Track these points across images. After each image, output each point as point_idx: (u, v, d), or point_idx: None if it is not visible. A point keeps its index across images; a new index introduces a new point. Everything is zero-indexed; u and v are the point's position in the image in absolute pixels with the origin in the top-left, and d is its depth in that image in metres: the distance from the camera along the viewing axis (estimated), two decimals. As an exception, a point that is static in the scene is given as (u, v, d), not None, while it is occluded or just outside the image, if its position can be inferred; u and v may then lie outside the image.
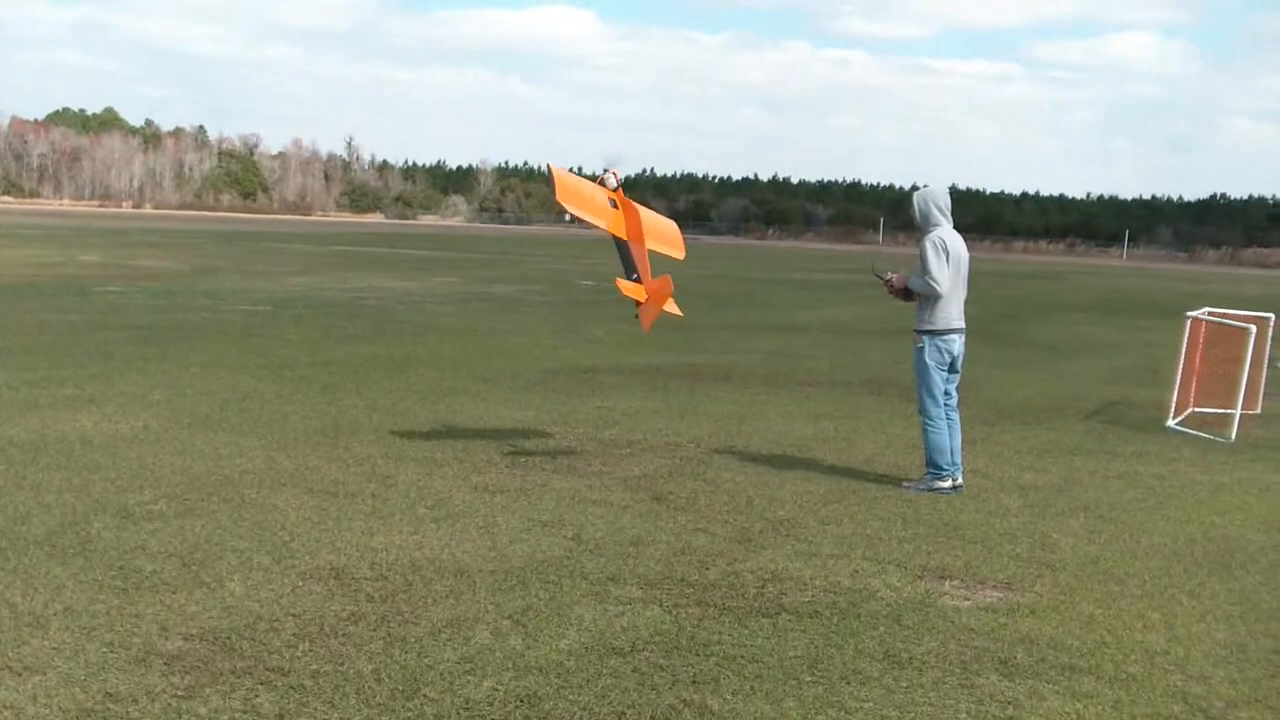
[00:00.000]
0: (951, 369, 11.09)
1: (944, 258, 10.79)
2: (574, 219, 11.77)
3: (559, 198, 11.38)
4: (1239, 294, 49.34)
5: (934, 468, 10.92)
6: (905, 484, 11.04)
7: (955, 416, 11.18)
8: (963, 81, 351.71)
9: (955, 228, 11.08)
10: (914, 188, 11.35)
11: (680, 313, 12.04)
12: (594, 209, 11.62)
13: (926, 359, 10.95)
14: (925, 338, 10.97)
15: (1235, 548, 9.47)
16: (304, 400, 14.25)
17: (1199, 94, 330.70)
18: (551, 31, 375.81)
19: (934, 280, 10.77)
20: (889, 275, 11.24)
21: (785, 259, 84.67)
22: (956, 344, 11.03)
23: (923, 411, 11.03)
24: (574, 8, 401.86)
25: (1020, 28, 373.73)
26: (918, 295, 10.95)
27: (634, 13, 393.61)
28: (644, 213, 11.97)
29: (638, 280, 11.69)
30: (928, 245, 10.86)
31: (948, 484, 10.87)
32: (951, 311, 10.96)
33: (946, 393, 11.10)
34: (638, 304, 11.77)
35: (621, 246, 11.81)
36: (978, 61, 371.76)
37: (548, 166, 11.87)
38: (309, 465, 10.82)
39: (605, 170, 12.01)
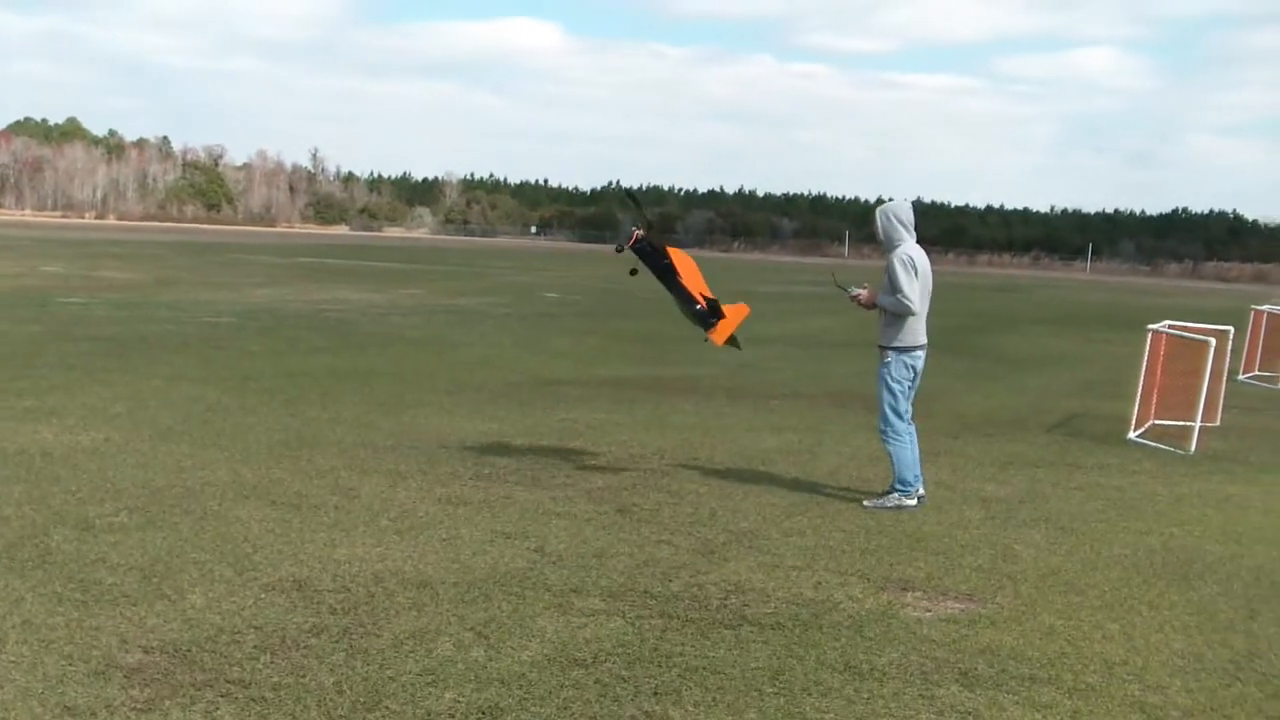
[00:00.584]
0: (912, 385, 11.11)
1: (914, 275, 10.75)
2: (621, 247, 11.58)
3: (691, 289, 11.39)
4: (1200, 307, 49.70)
5: (903, 483, 10.88)
6: (866, 503, 10.92)
7: (913, 429, 11.18)
8: (927, 96, 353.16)
9: (919, 241, 11.07)
10: (879, 201, 11.33)
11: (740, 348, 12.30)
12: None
13: (893, 375, 10.93)
14: (893, 354, 10.91)
15: (1194, 559, 9.53)
16: (267, 412, 14.22)
17: (1161, 109, 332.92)
18: (517, 44, 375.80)
19: (907, 299, 10.71)
20: (855, 291, 11.19)
21: (750, 271, 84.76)
22: (922, 360, 11.02)
23: (887, 428, 10.98)
24: (540, 20, 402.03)
25: (984, 42, 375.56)
26: (884, 311, 10.92)
27: (600, 26, 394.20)
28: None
29: (700, 309, 11.49)
30: (897, 263, 10.76)
31: (914, 500, 10.89)
32: (919, 328, 10.93)
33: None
34: (708, 333, 11.65)
35: (675, 287, 11.63)
36: (942, 76, 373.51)
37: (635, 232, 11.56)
38: (272, 477, 10.79)
39: (636, 227, 11.60)
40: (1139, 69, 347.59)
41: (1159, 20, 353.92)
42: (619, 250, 11.60)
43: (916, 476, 10.96)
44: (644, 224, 11.64)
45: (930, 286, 11.01)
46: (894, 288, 10.74)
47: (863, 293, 11.11)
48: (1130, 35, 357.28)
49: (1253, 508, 11.65)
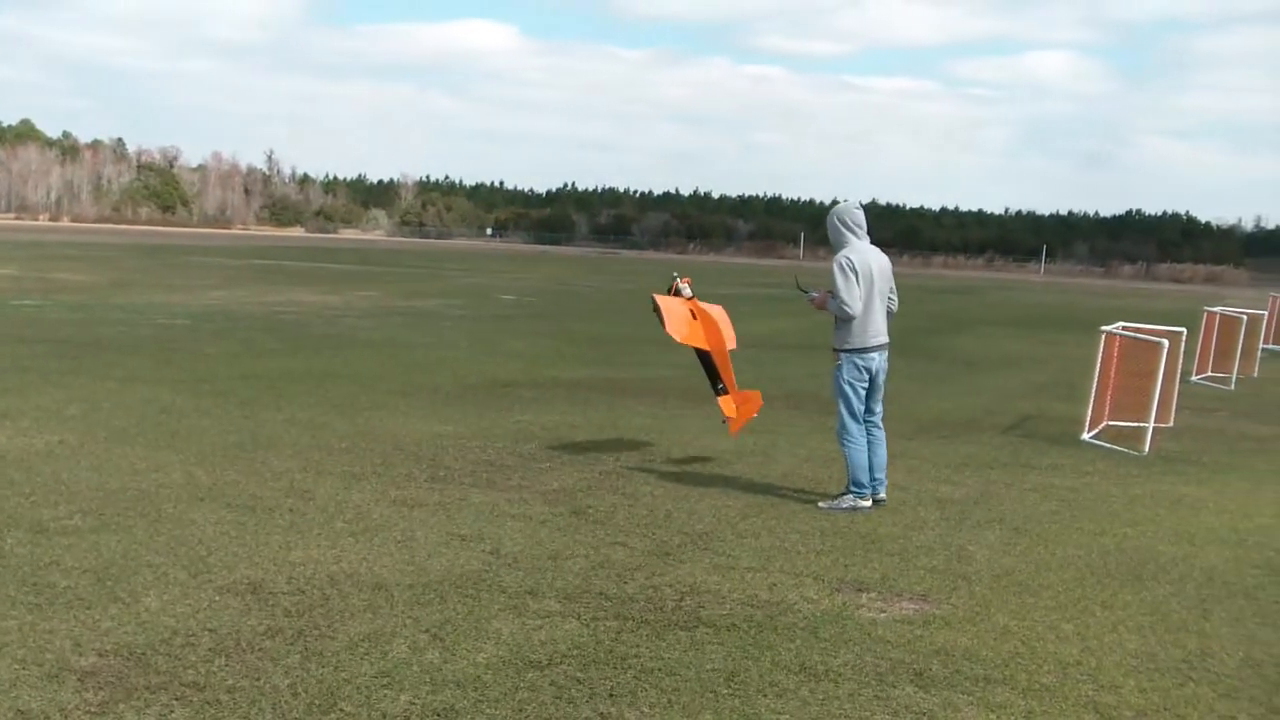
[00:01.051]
0: (874, 385, 11.11)
1: (853, 278, 10.69)
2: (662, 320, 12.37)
3: (669, 329, 12.22)
4: (1153, 308, 50.05)
5: (856, 485, 10.91)
6: (821, 504, 10.94)
7: (879, 434, 11.18)
8: (883, 98, 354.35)
9: (875, 243, 11.09)
10: (834, 203, 11.40)
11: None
12: (696, 336, 12.35)
13: (844, 377, 10.95)
14: (843, 356, 10.94)
15: (1147, 559, 9.59)
16: (222, 414, 14.16)
17: (1114, 112, 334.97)
18: (473, 46, 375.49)
19: (844, 304, 10.69)
20: (813, 293, 11.26)
21: (706, 273, 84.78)
22: (875, 360, 10.98)
23: (841, 430, 11.01)
24: (496, 22, 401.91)
25: (940, 45, 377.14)
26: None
27: (555, 28, 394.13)
28: (714, 312, 12.65)
29: (724, 391, 12.45)
30: (834, 267, 10.78)
31: (868, 503, 10.91)
32: (869, 329, 10.89)
33: (870, 410, 11.11)
34: (725, 419, 12.59)
35: (704, 357, 12.49)
36: (898, 79, 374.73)
37: (653, 298, 12.46)
38: (227, 480, 10.75)
39: (677, 278, 12.60)
40: (1092, 72, 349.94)
41: (1112, 24, 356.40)
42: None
43: (875, 480, 11.01)
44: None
45: (884, 285, 10.98)
46: (833, 291, 10.79)
47: (816, 295, 11.15)
48: (1084, 39, 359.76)
49: (1205, 508, 11.73)
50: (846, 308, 10.70)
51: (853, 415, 10.95)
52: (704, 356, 12.42)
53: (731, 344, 12.50)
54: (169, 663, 6.34)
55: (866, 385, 11.00)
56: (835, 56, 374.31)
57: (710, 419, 15.27)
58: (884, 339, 11.04)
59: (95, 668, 6.23)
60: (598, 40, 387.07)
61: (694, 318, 12.38)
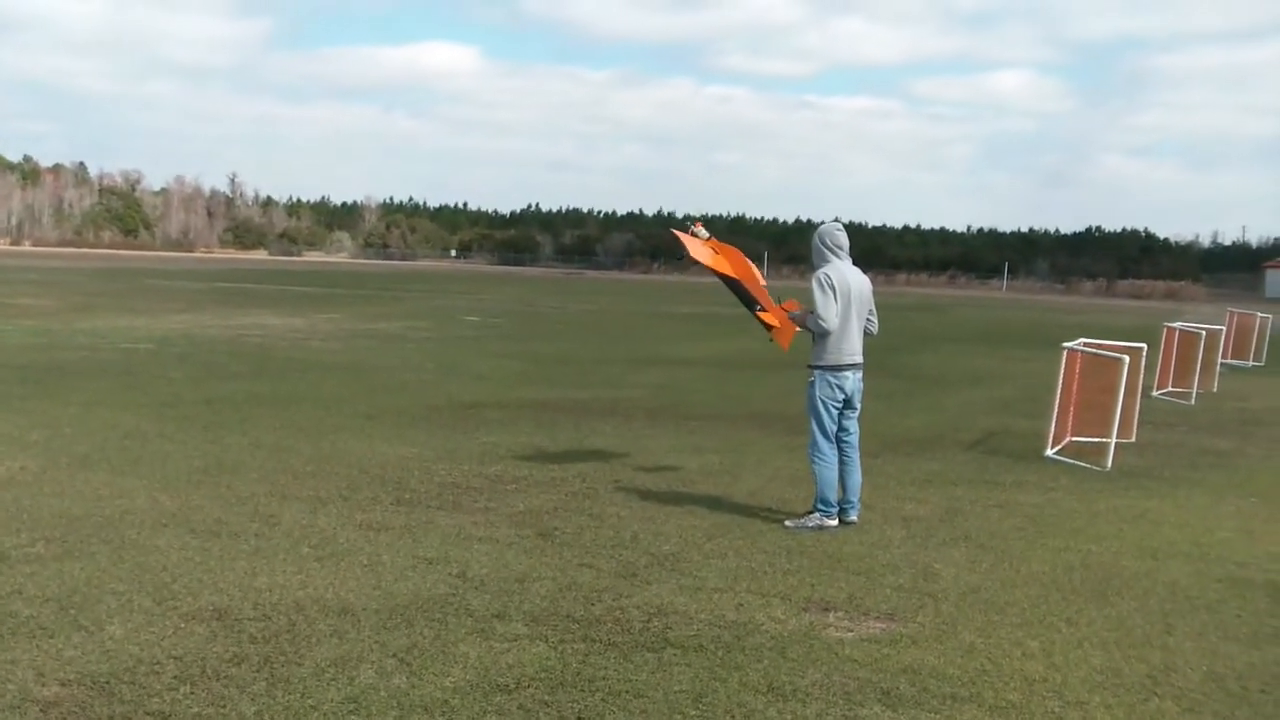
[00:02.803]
0: (848, 405, 11.13)
1: (831, 294, 10.81)
2: (684, 257, 12.46)
3: (694, 254, 12.11)
4: (1114, 324, 50.32)
5: (824, 504, 10.95)
6: (788, 523, 10.97)
7: (854, 454, 11.22)
8: (845, 118, 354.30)
9: (856, 263, 11.21)
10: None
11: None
12: (721, 263, 12.09)
13: (818, 394, 11.00)
14: (817, 373, 11.01)
15: (1111, 575, 9.63)
16: (186, 439, 14.11)
17: (1074, 130, 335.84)
18: (436, 67, 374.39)
19: (821, 319, 10.80)
20: (796, 313, 11.36)
21: (670, 293, 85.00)
22: (850, 380, 11.04)
23: (812, 447, 11.05)
24: (458, 44, 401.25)
25: (901, 65, 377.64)
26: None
27: (518, 50, 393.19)
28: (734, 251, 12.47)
29: (762, 310, 11.92)
30: (814, 283, 10.93)
31: (834, 522, 10.94)
32: (844, 347, 10.97)
33: (844, 429, 11.14)
34: (770, 330, 11.99)
35: (733, 285, 12.14)
36: (860, 98, 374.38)
37: (674, 233, 12.43)
38: (191, 505, 10.71)
39: (690, 225, 12.38)
40: (1052, 91, 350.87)
41: (1071, 43, 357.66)
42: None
43: (847, 500, 11.04)
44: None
45: (862, 306, 11.08)
46: (811, 306, 10.86)
47: (797, 313, 11.28)
48: (1044, 58, 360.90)
49: (1167, 523, 11.79)
50: (823, 323, 10.77)
51: (824, 433, 10.98)
52: (733, 285, 12.14)
53: (761, 279, 12.44)
54: (133, 691, 6.31)
55: (840, 404, 11.04)
56: (797, 77, 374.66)
57: (678, 438, 15.28)
58: (859, 359, 11.09)
59: (58, 698, 6.19)
60: (561, 62, 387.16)
61: (716, 252, 12.34)
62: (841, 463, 11.09)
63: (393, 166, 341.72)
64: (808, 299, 11.12)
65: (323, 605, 7.93)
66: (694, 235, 12.27)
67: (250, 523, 10.13)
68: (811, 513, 11.01)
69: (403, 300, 56.51)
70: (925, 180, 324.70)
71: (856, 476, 11.19)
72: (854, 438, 11.23)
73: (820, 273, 10.95)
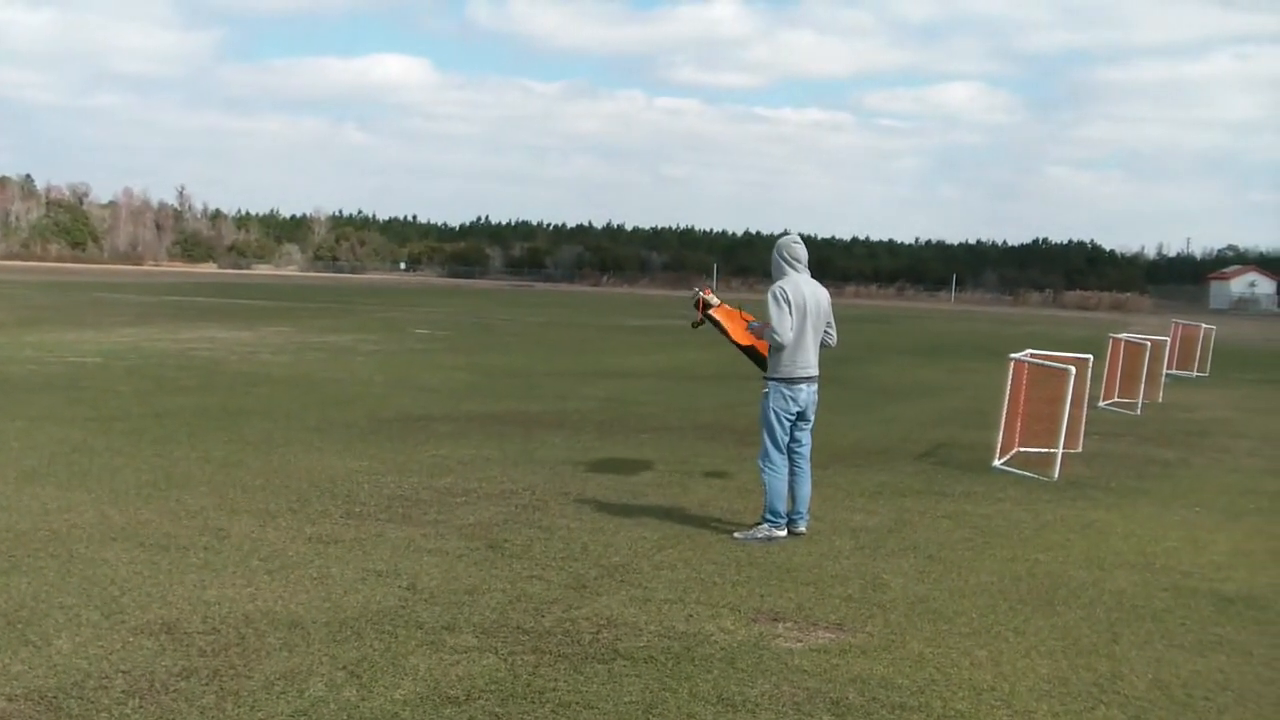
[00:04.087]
0: (801, 418, 11.18)
1: (786, 307, 10.85)
2: (701, 322, 12.99)
3: (736, 338, 12.71)
4: (1061, 335, 50.69)
5: (773, 514, 10.98)
6: (737, 535, 10.99)
7: (805, 466, 11.27)
8: (795, 130, 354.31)
9: (815, 276, 11.30)
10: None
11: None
12: (734, 329, 12.72)
13: (771, 405, 11.04)
14: (771, 384, 11.05)
15: (1058, 584, 9.71)
16: (135, 453, 14.04)
17: (1021, 143, 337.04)
18: (386, 79, 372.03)
19: (775, 333, 10.85)
20: (755, 325, 11.53)
21: (620, 304, 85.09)
22: (804, 393, 11.09)
23: (764, 457, 11.09)
24: (409, 56, 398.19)
25: (851, 77, 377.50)
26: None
27: (469, 61, 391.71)
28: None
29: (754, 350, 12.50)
30: (769, 297, 10.95)
31: (783, 533, 10.98)
32: (799, 360, 11.01)
33: (796, 440, 11.18)
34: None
35: (752, 352, 12.59)
36: (809, 110, 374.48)
37: (709, 315, 12.89)
38: (140, 519, 10.66)
39: (700, 291, 12.95)
40: (1000, 104, 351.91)
41: (1019, 56, 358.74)
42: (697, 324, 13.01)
43: (796, 511, 11.09)
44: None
45: (819, 319, 11.14)
46: (766, 320, 10.93)
47: (756, 325, 11.46)
48: (991, 71, 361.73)
49: (1114, 533, 11.89)
50: (776, 335, 10.82)
51: (775, 444, 11.03)
52: (752, 351, 12.53)
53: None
54: (82, 706, 6.28)
55: (793, 416, 11.08)
56: (747, 89, 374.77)
57: (627, 450, 15.30)
58: (814, 371, 11.14)
59: (5, 713, 6.16)
60: (511, 73, 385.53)
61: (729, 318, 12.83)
62: (792, 474, 11.14)
63: (342, 179, 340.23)
64: (761, 313, 11.17)
65: (272, 618, 7.91)
66: (707, 304, 12.75)
67: (199, 536, 10.10)
68: (760, 524, 11.04)
69: (352, 313, 56.33)
70: (874, 192, 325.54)
71: (806, 488, 11.24)
72: (806, 449, 11.28)
73: (776, 286, 10.99)
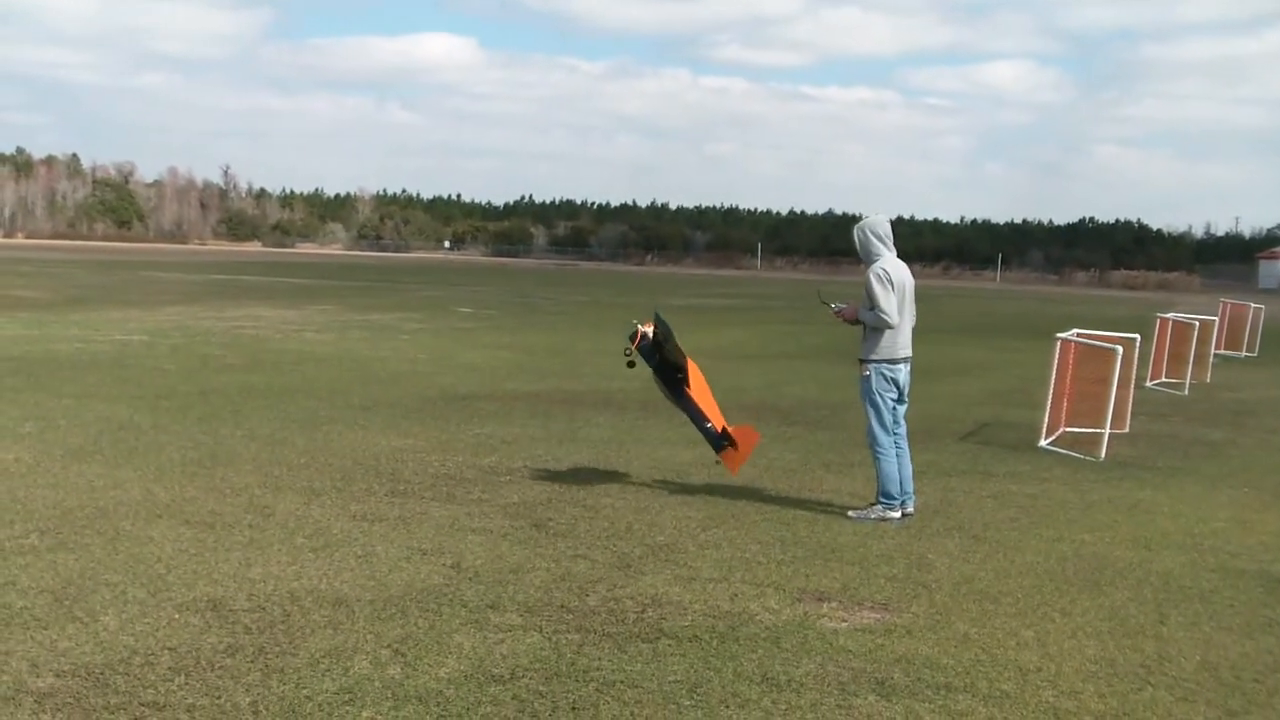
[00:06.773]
0: (900, 398, 11.15)
1: (890, 288, 10.80)
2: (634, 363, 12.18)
3: (693, 391, 11.85)
4: (1107, 315, 50.33)
5: (886, 496, 10.97)
6: (851, 514, 11.00)
7: (905, 445, 11.22)
8: (840, 109, 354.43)
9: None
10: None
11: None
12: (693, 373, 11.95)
13: (874, 388, 10.98)
14: (873, 367, 10.98)
15: (1104, 565, 9.64)
16: (180, 430, 14.10)
17: (1068, 121, 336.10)
18: (431, 59, 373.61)
19: (884, 313, 10.78)
20: (838, 306, 11.33)
21: (663, 284, 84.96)
22: (903, 372, 11.06)
23: (872, 441, 11.04)
24: (455, 35, 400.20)
25: (896, 56, 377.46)
26: (865, 325, 11.01)
27: (515, 40, 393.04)
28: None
29: (712, 429, 11.86)
30: (872, 278, 10.86)
31: (898, 514, 10.94)
32: (899, 340, 10.98)
33: (895, 421, 11.16)
34: (721, 450, 11.95)
35: (685, 402, 12.00)
36: (855, 89, 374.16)
37: (679, 361, 11.95)
38: (185, 496, 10.70)
39: (638, 325, 12.19)
40: (1047, 82, 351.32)
41: (1066, 33, 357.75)
42: (626, 353, 12.11)
43: (905, 493, 11.05)
44: (656, 325, 12.00)
45: (910, 298, 11.10)
46: (871, 302, 10.85)
47: (845, 308, 11.25)
48: (1039, 48, 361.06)
49: (1161, 513, 11.81)
50: (886, 317, 10.77)
51: (883, 426, 10.99)
52: (685, 402, 12.00)
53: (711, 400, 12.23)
54: (128, 682, 6.31)
55: (895, 396, 11.05)
56: (793, 67, 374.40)
57: (671, 429, 15.26)
58: (910, 351, 11.12)
59: (53, 689, 6.19)
60: (557, 52, 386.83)
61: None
62: (896, 454, 11.10)
63: (387, 158, 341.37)
64: (844, 295, 11.04)
65: (317, 596, 7.93)
66: (644, 337, 12.01)
67: (245, 514, 10.13)
68: (874, 505, 11.04)
69: (396, 292, 56.47)
70: (919, 171, 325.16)
71: (909, 468, 11.19)
72: (904, 429, 11.24)
73: (877, 267, 10.89)
